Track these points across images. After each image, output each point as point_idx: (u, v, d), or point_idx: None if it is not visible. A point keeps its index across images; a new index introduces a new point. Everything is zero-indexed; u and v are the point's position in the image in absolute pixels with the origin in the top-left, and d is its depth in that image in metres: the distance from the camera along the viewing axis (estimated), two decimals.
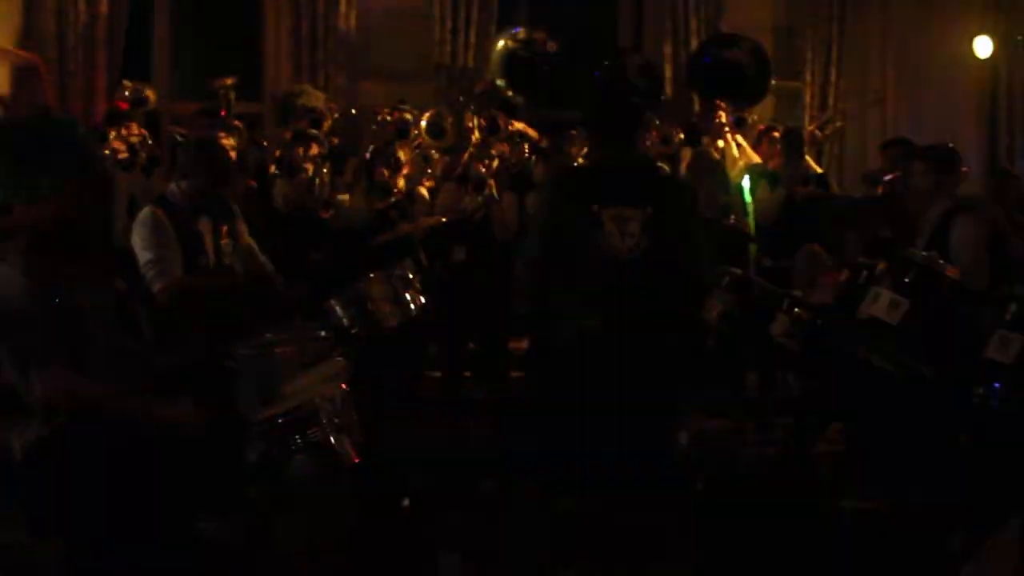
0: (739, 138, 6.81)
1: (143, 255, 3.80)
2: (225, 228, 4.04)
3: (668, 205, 3.40)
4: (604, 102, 3.52)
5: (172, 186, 4.00)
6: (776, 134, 6.78)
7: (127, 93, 6.82)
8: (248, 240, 4.20)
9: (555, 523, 3.57)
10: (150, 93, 6.96)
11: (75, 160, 2.50)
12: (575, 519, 3.45)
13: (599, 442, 3.35)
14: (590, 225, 3.30)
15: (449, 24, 7.86)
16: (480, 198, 5.64)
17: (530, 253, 3.49)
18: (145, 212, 3.93)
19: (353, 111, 7.16)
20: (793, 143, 6.33)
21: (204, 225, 3.95)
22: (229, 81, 6.89)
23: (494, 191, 5.62)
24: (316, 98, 6.93)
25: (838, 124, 7.84)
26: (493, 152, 5.70)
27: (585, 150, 6.04)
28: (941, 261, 3.39)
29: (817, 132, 6.68)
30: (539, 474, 3.59)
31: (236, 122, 6.65)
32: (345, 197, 5.89)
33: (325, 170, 5.92)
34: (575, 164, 5.15)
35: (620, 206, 3.31)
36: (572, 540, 3.47)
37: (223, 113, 6.77)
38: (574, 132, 5.56)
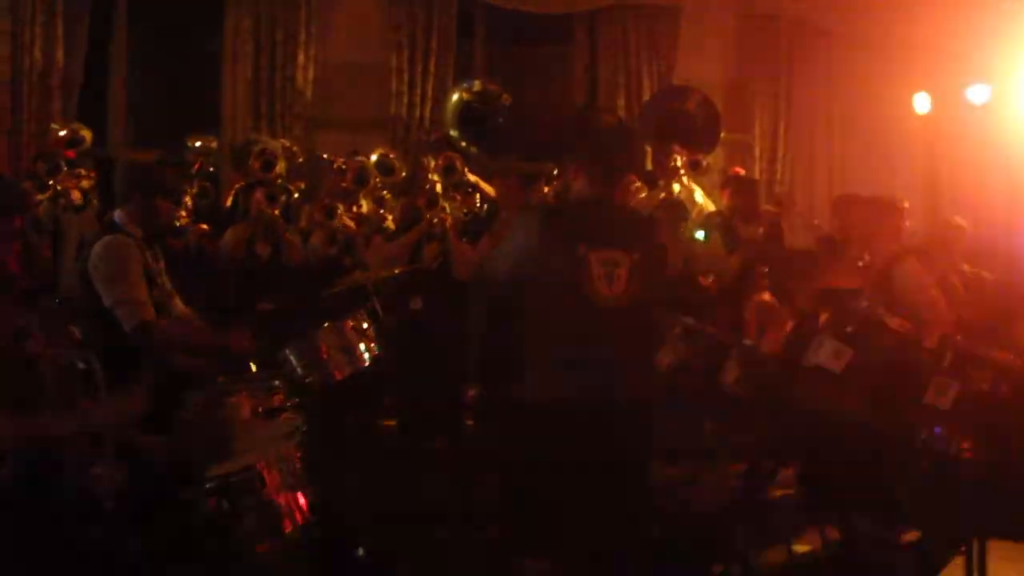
0: (693, 184, 6.92)
1: (113, 288, 3.54)
2: (161, 266, 3.92)
3: (653, 252, 3.19)
4: (607, 142, 3.30)
5: (119, 212, 3.79)
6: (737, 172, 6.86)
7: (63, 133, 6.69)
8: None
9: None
10: (86, 134, 6.83)
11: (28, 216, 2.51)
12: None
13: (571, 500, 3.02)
14: (575, 267, 3.02)
15: (406, 76, 7.97)
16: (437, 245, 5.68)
17: (498, 277, 3.25)
18: (112, 238, 3.67)
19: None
20: (746, 194, 6.38)
21: (150, 259, 3.79)
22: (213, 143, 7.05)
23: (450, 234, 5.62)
24: (272, 147, 6.94)
25: None
26: (446, 205, 5.73)
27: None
28: (880, 310, 3.50)
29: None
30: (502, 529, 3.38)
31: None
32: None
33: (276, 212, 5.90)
34: (560, 204, 4.67)
35: (609, 249, 3.05)
36: None
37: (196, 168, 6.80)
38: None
